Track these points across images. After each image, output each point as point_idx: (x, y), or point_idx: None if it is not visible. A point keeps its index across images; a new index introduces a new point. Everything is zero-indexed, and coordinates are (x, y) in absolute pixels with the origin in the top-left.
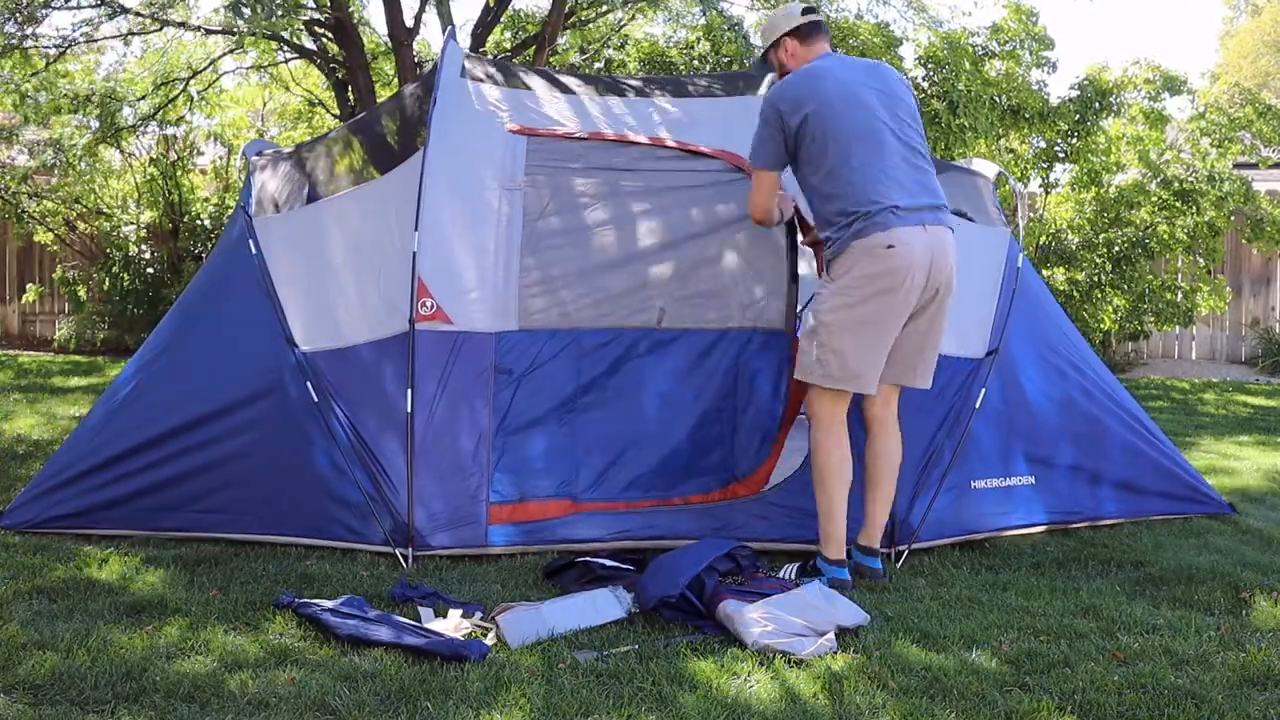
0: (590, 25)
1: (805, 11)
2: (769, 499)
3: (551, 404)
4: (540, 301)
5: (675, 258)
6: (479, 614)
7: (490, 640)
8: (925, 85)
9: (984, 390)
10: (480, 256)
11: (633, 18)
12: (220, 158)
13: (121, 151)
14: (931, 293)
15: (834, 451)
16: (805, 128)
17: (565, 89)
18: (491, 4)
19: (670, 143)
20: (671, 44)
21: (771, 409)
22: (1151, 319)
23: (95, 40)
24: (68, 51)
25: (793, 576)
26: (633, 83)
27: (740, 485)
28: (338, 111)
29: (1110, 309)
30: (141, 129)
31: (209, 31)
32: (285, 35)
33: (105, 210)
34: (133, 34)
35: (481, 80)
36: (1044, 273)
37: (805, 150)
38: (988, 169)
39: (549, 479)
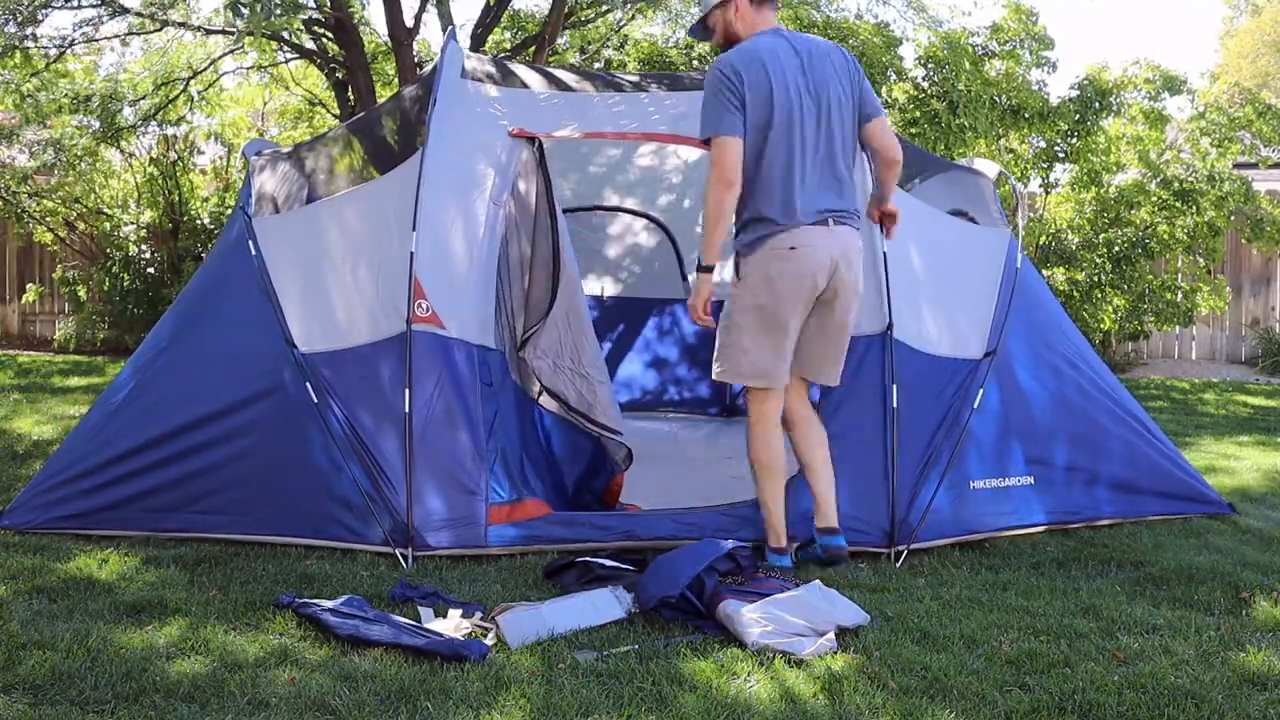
0: (590, 25)
1: None
2: None
3: (532, 418)
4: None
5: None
6: (479, 614)
7: (490, 640)
8: (925, 85)
9: (982, 390)
10: (470, 264)
11: (632, 18)
12: (220, 158)
13: (121, 151)
14: (832, 293)
15: (765, 448)
16: (754, 106)
17: (565, 87)
18: (491, 4)
19: (668, 137)
20: (671, 44)
21: None
22: (1151, 319)
23: (95, 40)
24: (68, 51)
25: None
26: (629, 78)
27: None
28: (338, 111)
29: (1110, 309)
30: (141, 129)
31: (209, 31)
32: (285, 35)
33: (105, 210)
34: (133, 34)
35: (481, 80)
36: (1044, 273)
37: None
38: (988, 169)
39: (550, 478)
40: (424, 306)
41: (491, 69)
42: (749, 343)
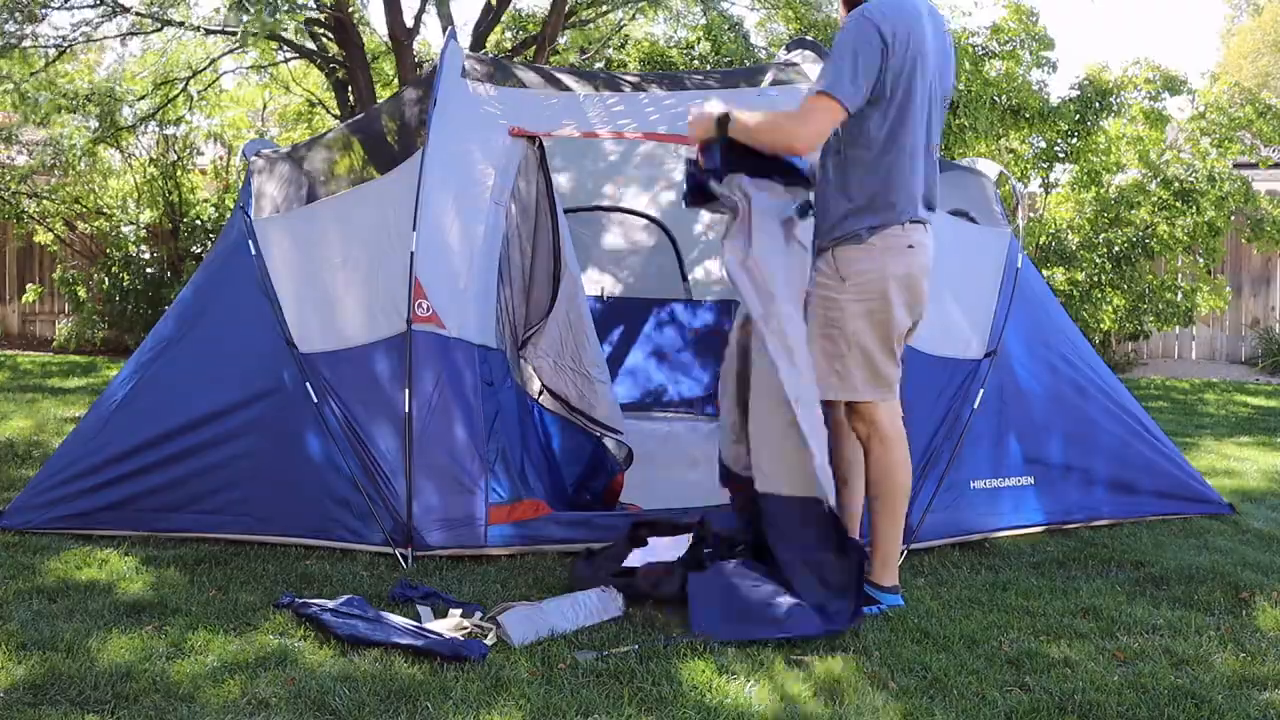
0: (590, 25)
1: None
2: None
3: (532, 418)
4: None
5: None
6: (479, 614)
7: (490, 640)
8: None
9: (982, 390)
10: (471, 264)
11: (633, 18)
12: (220, 158)
13: (121, 151)
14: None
15: (905, 468)
16: (891, 77)
17: (565, 87)
18: (492, 4)
19: (667, 137)
20: (672, 44)
21: None
22: (1151, 319)
23: (95, 40)
24: (67, 51)
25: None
26: (629, 78)
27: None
28: (338, 111)
29: (1110, 309)
30: (141, 129)
31: (209, 31)
32: (285, 35)
33: (105, 210)
34: (132, 34)
35: (481, 80)
36: (1044, 273)
37: (873, 103)
38: (989, 169)
39: (550, 479)
40: (424, 306)
41: (491, 69)
42: (863, 353)
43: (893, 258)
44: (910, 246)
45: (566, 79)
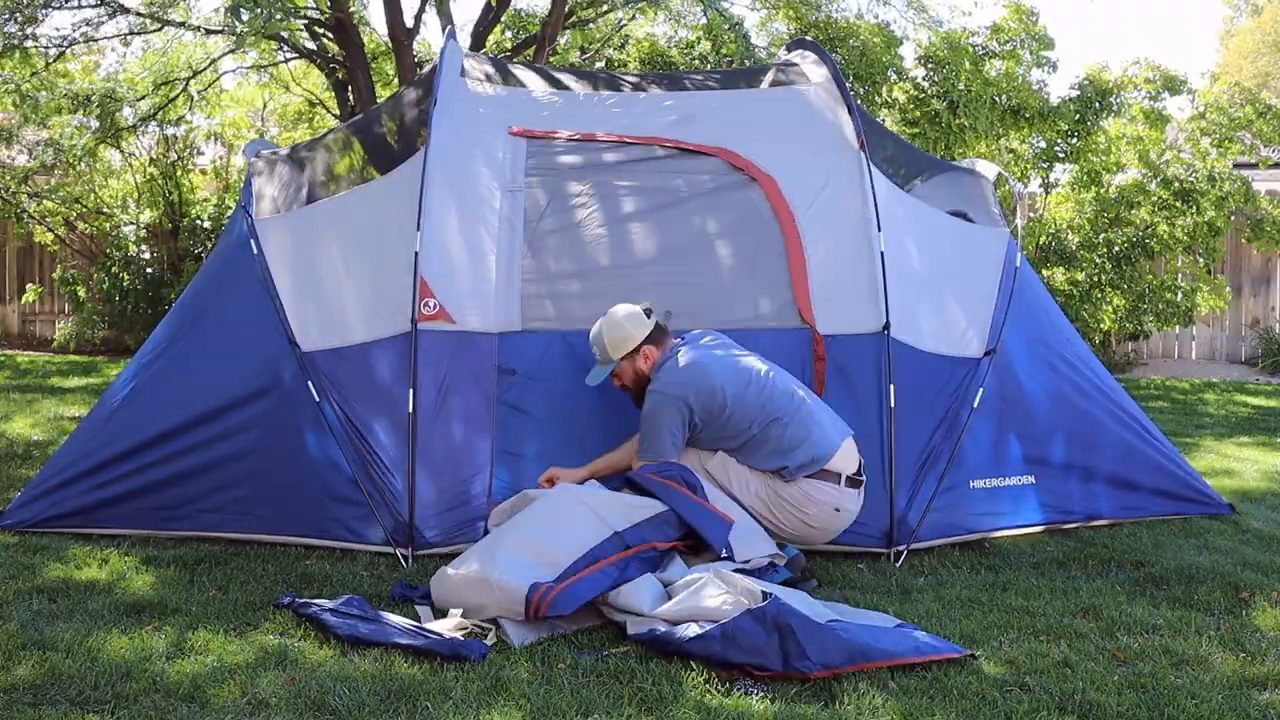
0: (590, 25)
1: (646, 313)
2: None
3: (554, 405)
4: (542, 303)
5: (675, 258)
6: None
7: (490, 640)
8: (925, 85)
9: (981, 390)
10: (482, 257)
11: (633, 18)
12: (220, 158)
13: (121, 151)
14: None
15: None
16: (717, 412)
17: (564, 87)
18: (492, 4)
19: (667, 141)
20: (672, 44)
21: None
22: (1151, 319)
23: (95, 40)
24: (68, 51)
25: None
26: (630, 79)
27: None
28: (338, 111)
29: (1110, 309)
30: (141, 129)
31: (209, 31)
32: (285, 35)
33: (105, 210)
34: (133, 34)
35: (481, 80)
36: (1044, 273)
37: (714, 429)
38: (988, 169)
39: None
40: (431, 304)
41: (490, 69)
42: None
43: None
44: None
45: (566, 79)
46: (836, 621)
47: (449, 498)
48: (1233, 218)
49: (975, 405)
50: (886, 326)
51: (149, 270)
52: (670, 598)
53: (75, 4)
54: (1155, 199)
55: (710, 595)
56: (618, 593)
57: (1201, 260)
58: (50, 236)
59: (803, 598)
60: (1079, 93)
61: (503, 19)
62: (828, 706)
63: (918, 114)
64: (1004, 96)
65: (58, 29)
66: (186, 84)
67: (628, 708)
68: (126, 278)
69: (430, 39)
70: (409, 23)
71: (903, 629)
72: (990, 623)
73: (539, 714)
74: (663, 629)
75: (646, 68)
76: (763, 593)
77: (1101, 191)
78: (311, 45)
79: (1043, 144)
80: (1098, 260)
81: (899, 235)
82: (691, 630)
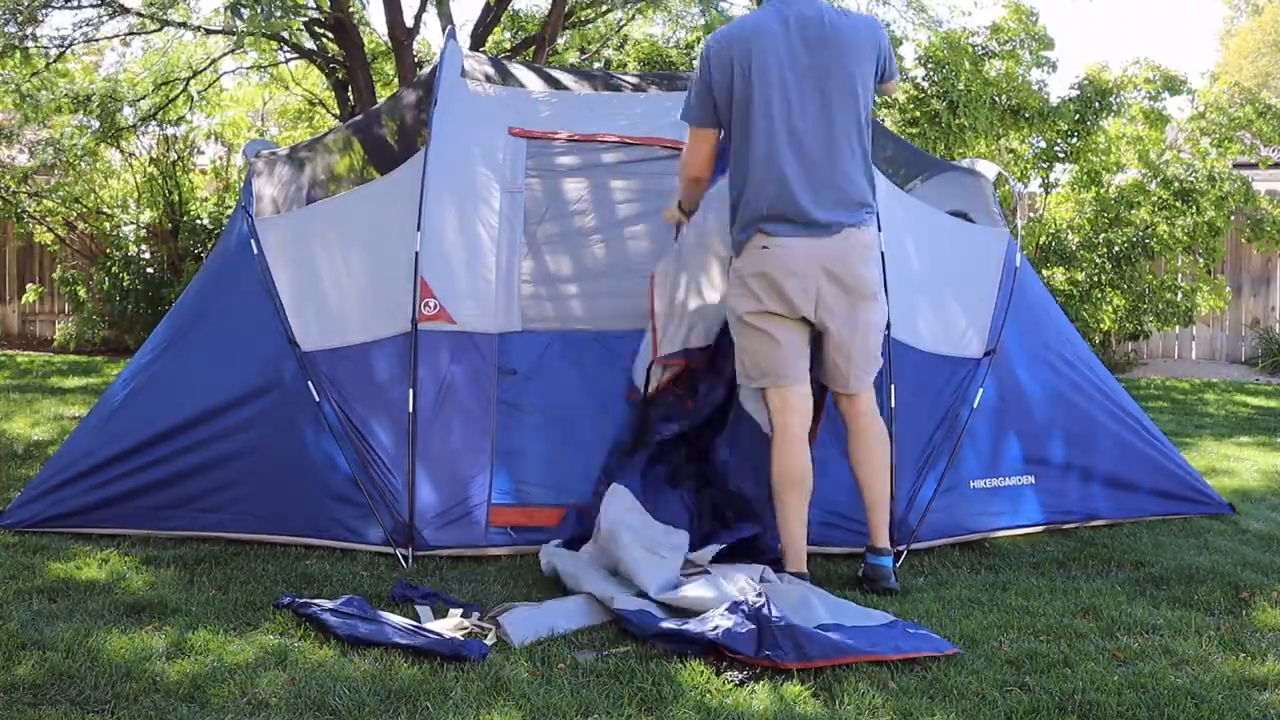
0: (590, 25)
1: None
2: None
3: (554, 405)
4: (542, 303)
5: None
6: (478, 614)
7: (490, 640)
8: (925, 85)
9: (981, 390)
10: (482, 257)
11: (632, 18)
12: (220, 158)
13: (121, 151)
14: (830, 294)
15: (780, 461)
16: (731, 94)
17: (564, 87)
18: (492, 4)
19: (667, 141)
20: (671, 44)
21: None
22: (1151, 319)
23: (95, 40)
24: (68, 51)
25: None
26: (629, 79)
27: None
28: (338, 111)
29: (1110, 309)
30: (141, 129)
31: (209, 31)
32: (285, 35)
33: (105, 210)
34: (133, 34)
35: (481, 80)
36: (1044, 273)
37: (728, 120)
38: (988, 169)
39: (550, 481)
40: (431, 305)
41: (490, 69)
42: (745, 341)
43: (748, 258)
44: (764, 248)
45: (566, 79)
46: (826, 625)
47: (449, 498)
48: (1233, 218)
49: (975, 405)
50: (887, 326)
51: (149, 270)
52: (677, 588)
53: (75, 4)
54: (1155, 199)
55: (710, 588)
56: (635, 562)
57: (1201, 260)
58: (50, 236)
59: (802, 596)
60: (1079, 93)
61: (502, 19)
62: (828, 706)
63: (917, 114)
64: (1004, 96)
65: (58, 29)
66: (186, 84)
67: (628, 708)
68: (126, 278)
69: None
70: (409, 23)
71: (893, 627)
72: (990, 623)
73: (539, 714)
74: (655, 612)
75: (645, 68)
76: (757, 591)
77: (1101, 191)
78: (311, 45)
79: (1043, 144)
80: (1098, 260)
81: (899, 235)
82: (677, 623)
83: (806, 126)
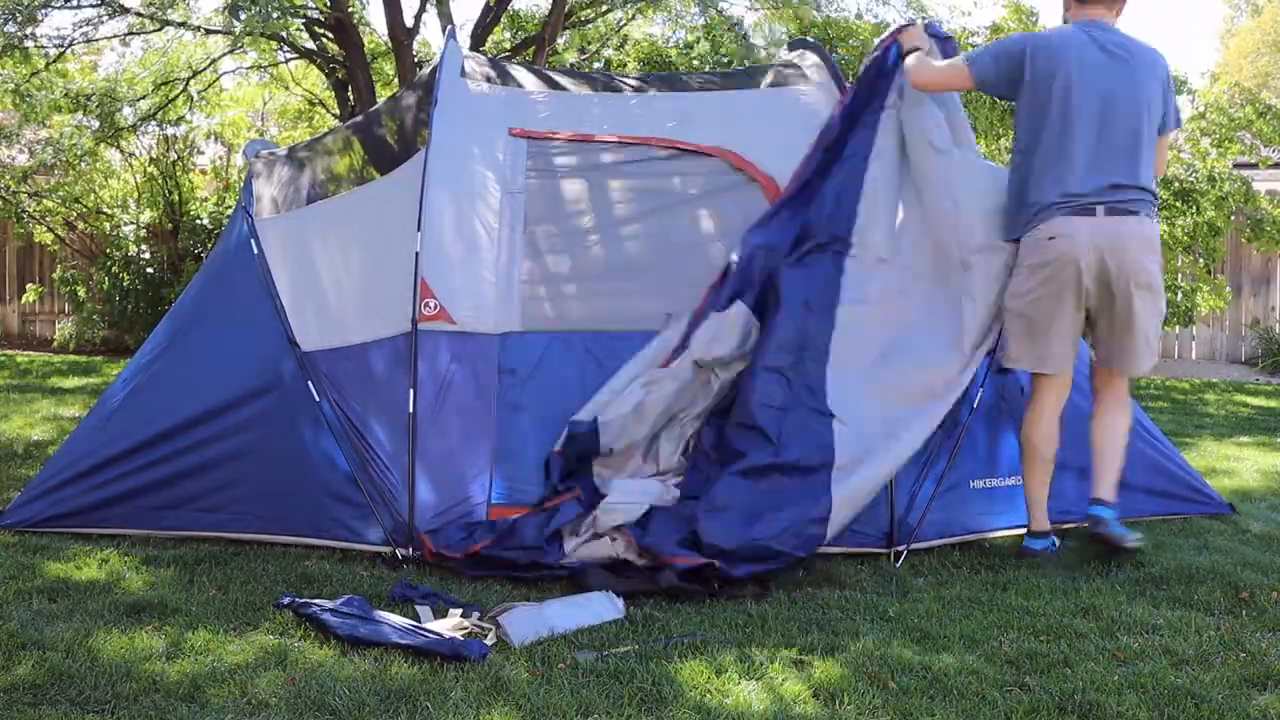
0: (590, 25)
1: None
2: None
3: (554, 405)
4: (543, 303)
5: (675, 259)
6: (478, 614)
7: (490, 640)
8: None
9: (981, 390)
10: (483, 257)
11: (632, 18)
12: (220, 158)
13: (121, 151)
14: (1107, 283)
15: (1035, 429)
16: (1029, 87)
17: (563, 88)
18: (491, 4)
19: (667, 141)
20: (671, 44)
21: None
22: None
23: (95, 40)
24: (68, 51)
25: None
26: (630, 80)
27: None
28: (338, 111)
29: None
30: (141, 129)
31: (209, 31)
32: (284, 35)
33: (105, 210)
34: (133, 34)
35: (481, 81)
36: None
37: (1020, 110)
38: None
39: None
40: (431, 305)
41: (490, 69)
42: (1019, 328)
43: (1029, 250)
44: (1051, 238)
45: (565, 80)
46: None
47: (448, 498)
48: (1233, 218)
49: (975, 406)
50: None
51: (149, 270)
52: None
53: (75, 4)
54: None
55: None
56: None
57: (1201, 260)
58: (50, 236)
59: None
60: None
61: (502, 19)
62: (828, 706)
63: None
64: None
65: (58, 29)
66: (186, 84)
67: (628, 708)
68: (126, 278)
69: (430, 39)
70: (409, 23)
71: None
72: (990, 623)
73: (539, 714)
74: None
75: (645, 68)
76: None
77: None
78: (311, 45)
79: None
80: None
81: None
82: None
83: (1087, 128)
